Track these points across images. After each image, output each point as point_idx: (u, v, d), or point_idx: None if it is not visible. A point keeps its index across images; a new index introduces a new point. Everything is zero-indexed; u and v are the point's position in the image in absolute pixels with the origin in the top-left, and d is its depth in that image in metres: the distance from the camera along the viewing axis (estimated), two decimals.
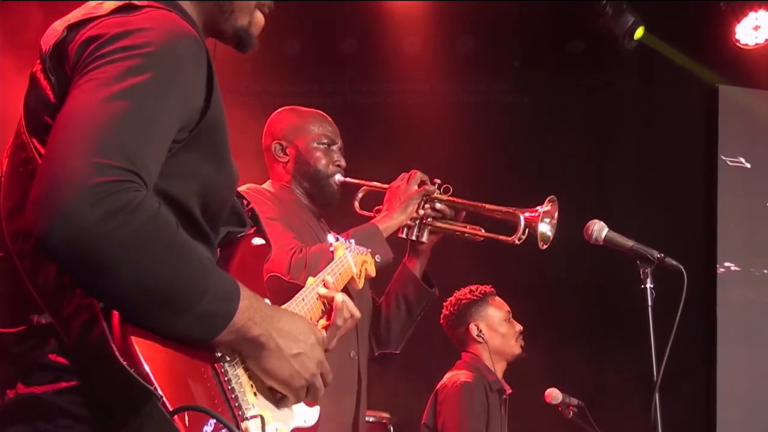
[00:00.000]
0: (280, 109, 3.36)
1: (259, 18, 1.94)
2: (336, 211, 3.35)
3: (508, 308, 4.37)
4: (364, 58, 5.93)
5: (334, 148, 3.26)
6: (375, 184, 3.35)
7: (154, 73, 1.56)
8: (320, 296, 2.18)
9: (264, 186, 3.23)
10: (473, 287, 4.39)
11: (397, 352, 3.42)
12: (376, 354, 3.37)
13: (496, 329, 4.30)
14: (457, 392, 4.05)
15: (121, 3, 1.67)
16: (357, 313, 2.19)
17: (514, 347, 4.32)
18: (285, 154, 3.24)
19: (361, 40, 5.91)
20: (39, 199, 1.47)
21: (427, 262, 3.37)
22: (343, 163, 3.27)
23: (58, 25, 1.70)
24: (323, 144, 3.24)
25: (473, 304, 4.35)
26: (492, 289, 4.40)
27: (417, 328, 3.44)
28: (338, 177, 3.24)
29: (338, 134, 3.30)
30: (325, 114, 3.35)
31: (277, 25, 5.38)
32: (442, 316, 4.42)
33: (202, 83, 1.67)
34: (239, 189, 3.01)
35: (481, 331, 4.28)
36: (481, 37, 5.94)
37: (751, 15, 5.70)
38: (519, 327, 4.35)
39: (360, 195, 3.41)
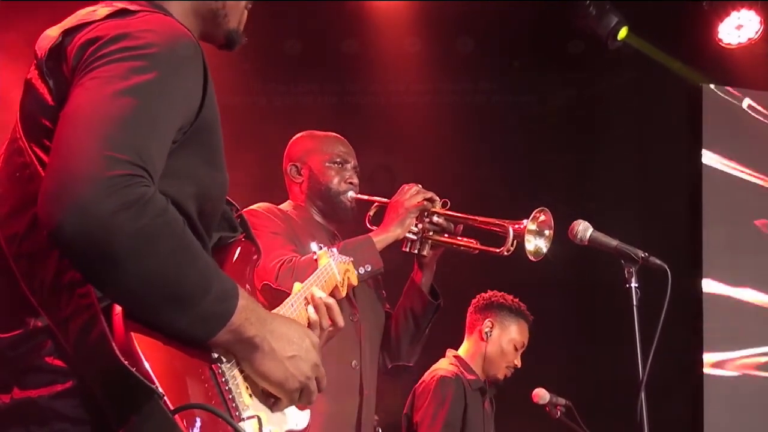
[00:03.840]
0: (297, 134, 3.40)
1: (245, 17, 1.95)
2: (353, 228, 3.35)
3: (526, 343, 4.31)
4: (364, 58, 5.87)
5: (348, 167, 3.29)
6: (383, 199, 3.33)
7: (157, 74, 1.55)
8: (310, 300, 2.14)
9: (281, 206, 3.27)
10: (521, 303, 4.35)
11: (410, 364, 3.42)
12: (389, 366, 3.38)
13: (502, 342, 4.24)
14: (434, 386, 4.05)
15: (115, 8, 1.66)
16: (340, 322, 2.14)
17: (501, 369, 4.26)
18: (300, 174, 3.30)
19: (361, 40, 5.84)
20: (52, 191, 1.45)
21: (433, 274, 3.35)
22: (355, 180, 3.29)
23: (53, 31, 1.68)
24: (336, 163, 3.27)
25: (508, 310, 4.31)
26: (531, 317, 4.35)
27: None
28: (351, 194, 3.26)
29: (352, 154, 3.34)
30: (340, 136, 3.38)
31: (277, 25, 5.39)
32: (479, 295, 4.40)
33: (199, 85, 1.65)
34: (252, 206, 3.05)
35: (491, 331, 4.24)
36: (481, 37, 5.88)
37: (734, 14, 5.63)
38: (519, 362, 4.29)
39: (372, 212, 3.37)
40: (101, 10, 1.66)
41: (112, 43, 1.56)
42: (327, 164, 3.26)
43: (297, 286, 2.20)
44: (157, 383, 1.47)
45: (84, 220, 1.42)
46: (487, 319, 4.27)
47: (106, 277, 1.48)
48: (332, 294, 2.37)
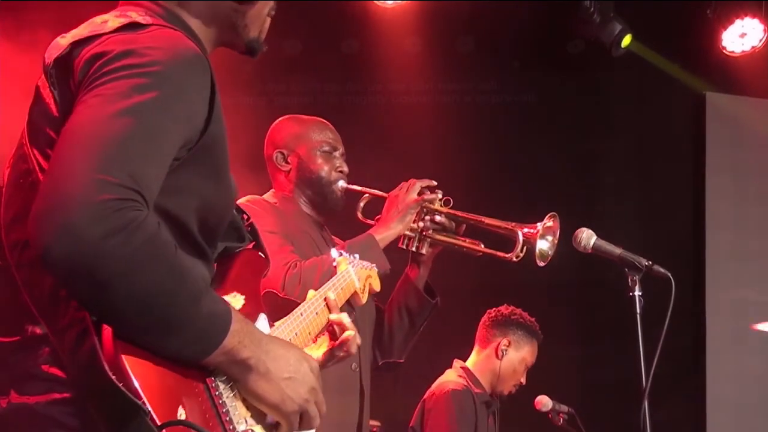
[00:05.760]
0: (280, 119, 3.27)
1: (267, 24, 1.92)
2: (339, 218, 3.26)
3: (534, 362, 4.31)
4: (365, 58, 5.83)
5: (336, 154, 3.17)
6: (377, 192, 3.24)
7: (159, 92, 1.53)
8: (330, 321, 2.11)
9: (265, 196, 3.15)
10: (535, 322, 4.34)
11: (401, 361, 3.33)
12: (380, 363, 3.29)
13: (515, 362, 4.24)
14: (445, 399, 4.00)
15: (126, 21, 1.64)
16: (353, 351, 2.11)
17: (508, 386, 4.26)
18: (287, 162, 3.15)
19: (362, 40, 5.80)
20: (41, 212, 1.44)
21: (429, 272, 3.27)
22: (345, 169, 3.17)
23: (62, 41, 1.66)
24: (325, 151, 3.14)
25: (525, 330, 4.29)
26: (542, 337, 4.34)
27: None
28: (341, 183, 3.15)
29: (340, 141, 3.21)
30: (325, 121, 3.26)
31: (277, 25, 5.32)
32: (495, 309, 4.36)
33: (205, 101, 1.63)
34: (239, 201, 2.97)
35: (507, 350, 4.22)
36: (481, 37, 5.84)
37: (738, 23, 5.58)
38: (524, 380, 4.29)
39: (362, 203, 3.29)
40: (112, 21, 1.64)
41: (117, 60, 1.55)
42: (316, 152, 3.13)
43: (311, 293, 2.16)
44: (145, 399, 1.46)
45: (72, 244, 1.41)
46: (505, 338, 4.23)
47: (93, 300, 1.47)
48: (351, 301, 2.33)
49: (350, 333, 2.09)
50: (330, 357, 2.07)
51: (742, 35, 5.63)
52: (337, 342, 2.07)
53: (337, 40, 5.83)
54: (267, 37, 1.95)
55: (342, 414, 2.92)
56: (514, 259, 3.02)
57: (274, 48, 5.45)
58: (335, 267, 2.39)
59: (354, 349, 2.09)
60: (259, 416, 1.71)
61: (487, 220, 3.14)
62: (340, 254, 2.44)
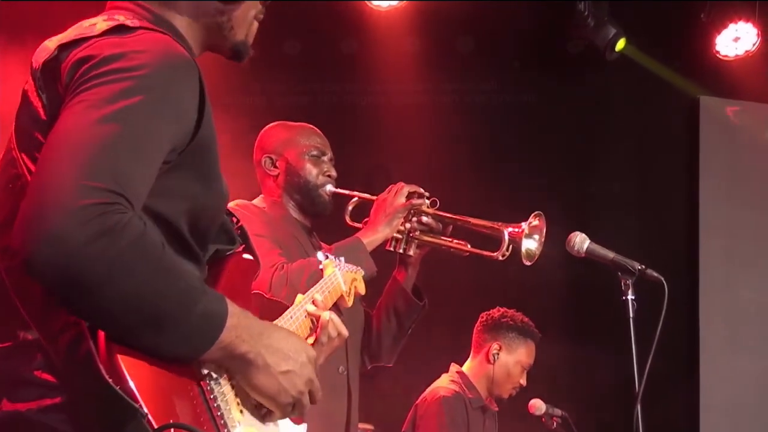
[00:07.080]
0: (269, 125, 3.28)
1: (255, 28, 1.90)
2: (327, 222, 3.26)
3: (532, 362, 4.25)
4: (364, 58, 5.81)
5: (324, 159, 3.18)
6: (365, 195, 3.24)
7: (146, 96, 1.52)
8: (309, 314, 2.12)
9: (255, 201, 3.16)
10: (530, 322, 4.27)
11: (390, 365, 3.33)
12: (369, 367, 3.29)
13: (509, 365, 4.19)
14: (437, 406, 3.98)
15: (114, 24, 1.62)
16: (344, 332, 2.13)
17: (506, 390, 4.21)
18: (275, 167, 3.17)
19: (361, 40, 5.78)
20: (25, 220, 1.43)
21: (417, 274, 3.26)
22: (333, 173, 3.18)
23: (50, 44, 1.65)
24: (313, 155, 3.16)
25: (517, 331, 4.24)
26: (539, 335, 4.28)
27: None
28: (329, 187, 3.15)
29: (328, 146, 3.23)
30: (314, 127, 3.27)
31: (277, 25, 5.33)
32: (487, 313, 4.31)
33: (194, 104, 1.61)
34: (228, 205, 2.96)
35: (499, 354, 4.17)
36: (481, 37, 5.82)
37: (731, 27, 5.58)
38: (524, 382, 4.24)
39: (351, 206, 3.29)
40: (100, 24, 1.62)
41: (104, 65, 1.53)
42: (304, 156, 3.14)
43: (299, 297, 2.16)
44: (141, 402, 1.45)
45: (55, 251, 1.39)
46: (495, 343, 4.19)
47: (81, 306, 1.46)
48: (338, 303, 2.34)
49: (325, 314, 2.10)
50: (320, 348, 2.06)
51: (736, 39, 5.63)
52: (318, 328, 2.08)
53: (336, 40, 5.81)
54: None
55: (329, 416, 2.92)
56: (500, 258, 3.02)
57: (274, 48, 5.48)
58: (322, 270, 2.39)
59: (333, 332, 2.09)
60: (252, 415, 1.72)
61: (474, 221, 3.14)
62: (326, 257, 2.44)
